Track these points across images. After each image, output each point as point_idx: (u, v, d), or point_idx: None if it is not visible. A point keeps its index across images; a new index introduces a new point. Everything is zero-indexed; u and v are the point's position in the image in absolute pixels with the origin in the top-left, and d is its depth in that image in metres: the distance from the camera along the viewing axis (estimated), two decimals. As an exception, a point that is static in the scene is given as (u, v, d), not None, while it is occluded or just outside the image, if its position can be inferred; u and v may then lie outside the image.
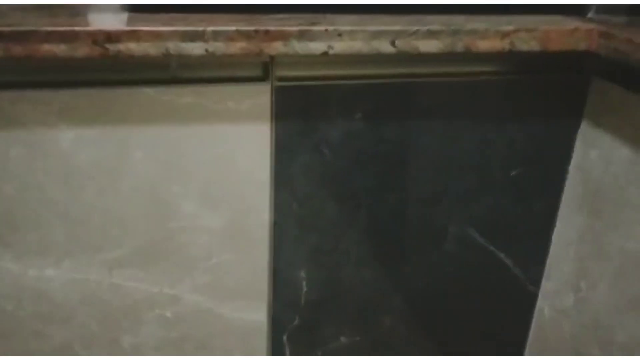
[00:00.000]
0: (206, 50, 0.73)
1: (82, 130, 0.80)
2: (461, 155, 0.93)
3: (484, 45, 0.81)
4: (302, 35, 0.75)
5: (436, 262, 0.99)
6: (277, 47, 0.75)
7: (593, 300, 0.94)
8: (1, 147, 0.78)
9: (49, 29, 0.69)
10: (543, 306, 1.03)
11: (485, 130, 0.92)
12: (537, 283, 1.04)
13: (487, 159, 0.94)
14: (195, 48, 0.73)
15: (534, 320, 1.06)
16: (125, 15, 0.77)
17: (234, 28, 0.73)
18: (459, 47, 0.81)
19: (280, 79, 0.83)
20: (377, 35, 0.77)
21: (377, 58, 0.80)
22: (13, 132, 0.78)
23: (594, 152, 0.91)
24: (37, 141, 0.79)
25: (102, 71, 0.79)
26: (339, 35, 0.76)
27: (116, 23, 0.74)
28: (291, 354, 0.99)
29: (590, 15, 0.90)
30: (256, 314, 0.96)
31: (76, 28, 0.70)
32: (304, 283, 0.95)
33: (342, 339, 1.02)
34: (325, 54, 0.77)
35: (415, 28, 0.77)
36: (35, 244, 0.84)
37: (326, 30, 0.75)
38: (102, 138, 0.81)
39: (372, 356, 1.04)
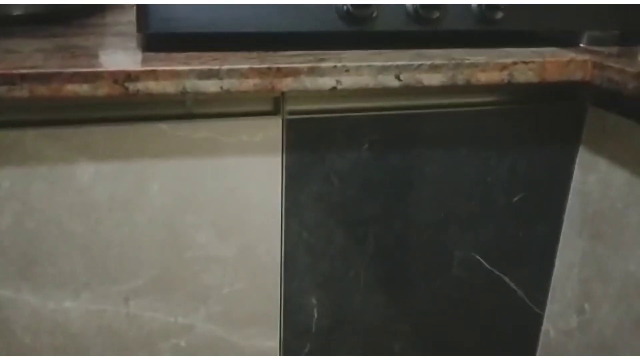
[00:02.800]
0: (221, 88, 0.77)
1: (101, 165, 0.83)
2: (464, 182, 0.97)
3: (484, 77, 0.85)
4: (311, 72, 0.79)
5: (443, 287, 1.02)
6: (288, 84, 0.79)
7: (597, 321, 0.97)
8: (22, 183, 0.82)
9: (73, 70, 0.72)
10: (548, 328, 1.06)
11: (487, 158, 0.96)
12: (542, 305, 1.06)
13: (489, 185, 0.98)
14: (211, 85, 0.77)
15: (540, 342, 1.09)
16: (140, 56, 0.81)
17: (247, 66, 0.77)
18: (460, 79, 0.85)
19: (291, 112, 0.87)
20: (382, 70, 0.81)
21: (383, 91, 0.84)
22: (34, 168, 0.81)
23: (592, 176, 0.95)
24: (57, 177, 0.82)
25: (119, 109, 0.83)
26: (347, 70, 0.80)
27: (134, 63, 0.78)
28: None
29: (582, 44, 0.95)
30: (268, 341, 0.99)
31: (98, 69, 0.73)
32: (315, 310, 0.98)
33: None
34: (333, 88, 0.81)
35: (419, 62, 0.81)
36: (54, 276, 0.87)
37: (334, 66, 0.79)
38: (119, 172, 0.84)
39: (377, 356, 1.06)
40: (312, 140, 0.89)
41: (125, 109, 0.83)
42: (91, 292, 0.89)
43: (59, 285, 0.87)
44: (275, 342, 0.99)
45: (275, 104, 0.86)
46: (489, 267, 1.02)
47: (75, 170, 0.83)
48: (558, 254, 1.03)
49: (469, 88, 0.87)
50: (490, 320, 1.07)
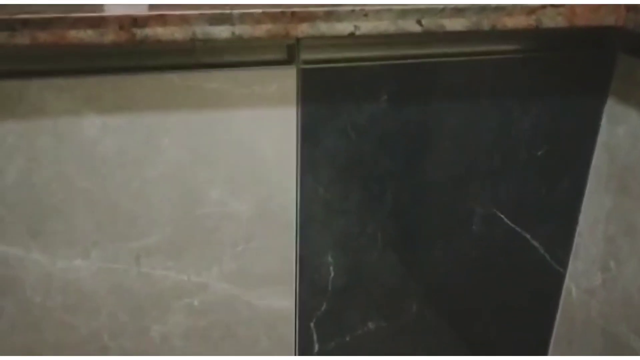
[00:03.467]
0: (233, 33, 0.73)
1: (108, 118, 0.80)
2: (486, 135, 0.93)
3: (510, 22, 0.81)
4: (328, 16, 0.75)
5: (462, 245, 0.99)
6: (303, 29, 0.75)
7: (622, 279, 0.94)
8: (29, 137, 0.79)
9: (76, 15, 0.69)
10: (570, 287, 1.03)
11: (510, 109, 0.92)
12: (564, 263, 1.04)
13: (512, 138, 0.94)
14: (222, 31, 0.73)
15: (561, 301, 1.06)
16: (146, 4, 0.77)
17: (260, 10, 0.73)
18: (485, 24, 0.81)
19: (306, 62, 0.83)
20: (403, 14, 0.77)
21: (403, 38, 0.80)
22: (40, 121, 0.78)
23: (620, 128, 0.91)
24: (63, 130, 0.79)
25: (126, 58, 0.79)
26: (365, 15, 0.76)
27: (141, 9, 0.74)
28: (318, 341, 0.99)
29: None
30: (283, 300, 0.97)
31: (103, 14, 0.70)
32: (331, 268, 0.96)
33: (370, 325, 1.02)
34: (351, 34, 0.77)
35: (442, 6, 0.77)
36: (63, 234, 0.85)
37: (352, 10, 0.75)
38: (128, 125, 0.81)
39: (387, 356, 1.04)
40: (328, 92, 0.85)
41: (133, 58, 0.79)
42: (101, 250, 0.87)
43: (68, 243, 0.85)
44: (290, 302, 0.97)
45: (290, 53, 0.82)
46: (511, 224, 0.99)
47: (82, 124, 0.80)
48: (582, 210, 1.00)
49: (494, 34, 0.83)
50: (511, 279, 1.04)
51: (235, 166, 0.87)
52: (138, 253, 0.89)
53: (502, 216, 0.98)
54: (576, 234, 1.01)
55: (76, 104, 0.79)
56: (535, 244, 1.01)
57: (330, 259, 0.95)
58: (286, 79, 0.84)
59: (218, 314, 0.96)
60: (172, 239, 0.89)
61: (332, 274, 0.96)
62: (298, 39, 0.80)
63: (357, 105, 0.87)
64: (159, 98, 0.81)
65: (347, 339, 1.01)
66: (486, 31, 0.81)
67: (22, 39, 0.68)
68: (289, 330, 0.99)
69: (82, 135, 0.81)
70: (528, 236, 1.01)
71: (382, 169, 0.92)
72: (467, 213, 0.97)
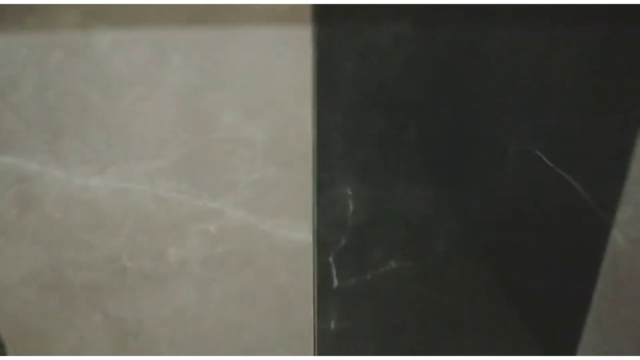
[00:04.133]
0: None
1: (118, 33, 0.80)
2: (525, 61, 0.86)
3: None
4: None
5: (494, 184, 0.94)
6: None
7: (676, 229, 0.86)
8: (41, 51, 0.80)
9: None
10: (617, 236, 0.96)
11: (554, 32, 0.84)
12: (611, 210, 0.96)
13: (556, 66, 0.86)
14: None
15: (606, 251, 0.99)
16: None
17: None
18: None
19: (322, -24, 0.78)
20: None
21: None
22: (50, 35, 0.80)
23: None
24: (74, 45, 0.80)
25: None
26: None
27: None
28: (337, 276, 0.98)
29: None
30: (301, 232, 0.96)
31: None
32: (350, 202, 0.93)
33: (392, 263, 0.99)
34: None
35: None
36: (78, 151, 0.87)
37: None
38: (138, 41, 0.81)
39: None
40: (346, 9, 0.81)
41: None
42: (116, 169, 0.88)
43: (83, 160, 0.87)
44: (308, 234, 0.96)
45: (304, -35, 0.78)
46: (550, 164, 0.92)
47: (92, 38, 0.80)
48: (635, 150, 0.91)
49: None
50: (549, 224, 0.98)
51: (248, 89, 0.85)
52: (152, 175, 0.90)
53: (540, 154, 0.92)
54: (627, 178, 0.93)
55: (86, 17, 0.79)
56: (578, 186, 0.94)
57: (349, 191, 0.93)
58: None
59: (235, 242, 0.96)
60: (186, 163, 0.89)
61: (352, 208, 0.94)
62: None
63: (379, 25, 0.82)
64: (169, 12, 0.80)
65: (368, 276, 0.99)
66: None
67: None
68: (307, 264, 0.99)
69: (92, 51, 0.81)
70: (569, 177, 0.94)
71: (407, 97, 0.87)
72: (500, 149, 0.91)
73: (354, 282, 1.00)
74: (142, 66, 0.82)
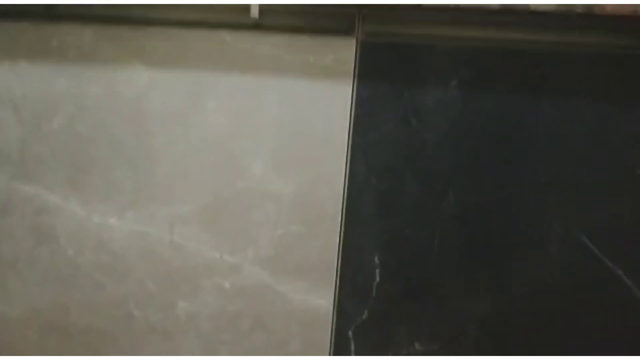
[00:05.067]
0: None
1: (156, 72, 0.83)
2: (576, 141, 0.85)
3: (610, 6, 0.74)
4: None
5: (536, 270, 0.91)
6: (363, -7, 0.74)
7: None
8: (79, 83, 0.84)
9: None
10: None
11: (607, 114, 0.84)
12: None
13: (607, 149, 0.85)
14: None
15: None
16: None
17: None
18: (579, 7, 0.74)
19: (368, 34, 0.81)
20: (477, -17, 0.73)
21: (479, 16, 0.76)
22: (90, 68, 0.84)
23: None
24: (111, 79, 0.84)
25: (181, 11, 0.82)
26: (434, -18, 0.73)
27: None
28: (355, 353, 0.96)
29: None
30: (321, 298, 0.94)
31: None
32: (377, 271, 0.92)
33: (417, 345, 0.96)
34: (418, 7, 0.74)
35: (523, -23, 0.72)
36: (101, 189, 0.89)
37: (419, -25, 0.73)
38: (175, 81, 0.84)
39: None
40: (390, 70, 0.83)
41: (188, 11, 0.82)
42: (137, 211, 0.90)
43: (105, 198, 0.89)
44: (329, 301, 0.94)
45: (351, 23, 0.81)
46: (598, 254, 0.90)
47: (130, 75, 0.84)
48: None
49: (591, 20, 0.76)
50: (592, 318, 0.94)
51: (281, 140, 0.87)
52: (172, 220, 0.91)
53: (587, 242, 0.89)
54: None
55: (126, 53, 0.83)
56: (628, 282, 0.91)
57: (377, 259, 0.92)
58: (344, 51, 0.82)
59: (249, 302, 0.95)
60: (209, 211, 0.90)
61: (378, 279, 0.93)
62: (360, 7, 0.79)
63: (421, 89, 0.83)
64: (208, 56, 0.83)
65: (389, 357, 0.96)
66: (580, 15, 0.75)
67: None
68: (324, 335, 0.96)
69: (129, 87, 0.85)
70: (620, 272, 0.90)
71: (446, 165, 0.87)
72: (543, 230, 0.89)
73: None
74: (177, 108, 0.85)
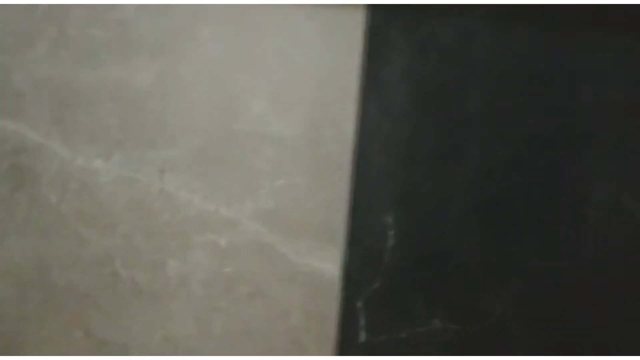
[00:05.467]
0: None
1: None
2: (622, 91, 0.87)
3: None
4: None
5: (572, 236, 0.94)
6: None
7: None
8: (63, 8, 0.91)
9: None
10: None
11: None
12: None
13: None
14: None
15: None
16: None
17: None
18: None
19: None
20: None
21: None
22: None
23: None
24: (98, 4, 0.90)
25: None
26: None
27: None
28: (366, 328, 1.01)
29: None
30: (327, 262, 1.01)
31: None
32: (391, 233, 0.97)
33: (435, 322, 1.01)
34: None
35: None
36: (85, 126, 1.00)
37: None
38: (166, 7, 0.90)
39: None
40: None
41: None
42: (124, 153, 0.99)
43: (90, 137, 0.99)
44: (335, 266, 1.01)
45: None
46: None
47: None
48: None
49: None
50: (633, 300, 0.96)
51: (282, 76, 0.95)
52: (163, 166, 1.00)
53: (633, 204, 0.91)
54: None
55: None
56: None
57: (390, 219, 0.97)
58: None
59: (247, 263, 1.03)
60: (202, 155, 0.98)
61: (392, 241, 0.97)
62: None
63: (443, 16, 0.87)
64: None
65: (403, 334, 1.00)
66: None
67: None
68: (330, 305, 1.02)
69: (117, 12, 0.93)
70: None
71: (470, 109, 0.91)
72: (582, 191, 0.91)
73: (384, 339, 1.02)
74: (168, 35, 0.94)
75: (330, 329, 1.08)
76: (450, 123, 0.95)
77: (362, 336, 1.06)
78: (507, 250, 1.00)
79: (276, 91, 0.96)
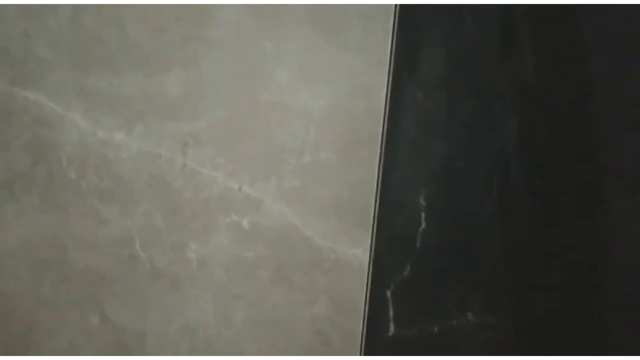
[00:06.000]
0: None
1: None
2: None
3: None
4: None
5: (625, 215, 0.89)
6: None
7: None
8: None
9: None
10: None
11: None
12: None
13: None
14: None
15: None
16: None
17: None
18: None
19: None
20: None
21: None
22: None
23: None
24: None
25: None
26: None
27: None
28: (395, 320, 0.99)
29: None
30: (354, 247, 1.01)
31: None
32: (423, 216, 0.96)
33: (470, 316, 0.98)
34: None
35: None
36: (107, 95, 1.01)
37: None
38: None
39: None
40: None
41: None
42: (146, 126, 1.01)
43: (111, 107, 1.00)
44: (364, 251, 1.00)
45: None
46: None
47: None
48: None
49: None
50: None
51: (310, 44, 0.94)
52: (185, 139, 1.01)
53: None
54: None
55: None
56: None
57: (422, 201, 0.96)
58: None
59: (270, 247, 1.04)
60: (226, 127, 1.00)
61: (424, 225, 0.96)
62: None
63: (479, -20, 0.87)
64: None
65: (435, 328, 0.97)
66: None
67: None
68: (358, 293, 1.01)
69: None
70: None
71: (510, 78, 0.88)
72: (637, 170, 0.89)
73: (415, 333, 1.00)
74: (194, 1, 0.92)
75: (357, 321, 1.05)
76: (488, 94, 0.93)
77: (391, 329, 1.04)
78: (551, 232, 0.97)
79: (304, 60, 0.96)
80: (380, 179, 1.00)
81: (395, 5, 0.93)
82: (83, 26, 1.00)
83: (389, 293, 1.05)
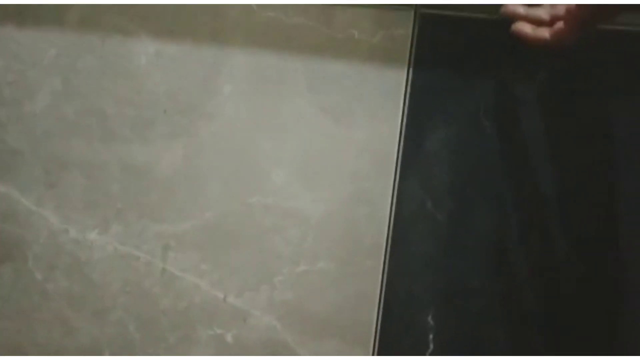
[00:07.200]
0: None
1: (164, 46, 0.90)
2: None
3: None
4: None
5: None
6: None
7: None
8: (71, 54, 0.92)
9: None
10: None
11: None
12: None
13: None
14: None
15: None
16: None
17: None
18: None
19: (431, 5, 0.85)
20: None
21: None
22: (86, 37, 0.91)
23: None
24: (109, 53, 0.96)
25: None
26: None
27: None
28: None
29: None
30: None
31: None
32: (431, 336, 0.90)
33: None
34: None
35: None
36: (82, 190, 1.00)
37: None
38: (184, 59, 0.93)
39: None
40: (457, 54, 0.89)
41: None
42: (124, 225, 0.97)
43: (86, 205, 0.99)
44: None
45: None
46: None
47: (132, 48, 0.92)
48: None
49: None
50: None
51: (311, 142, 0.90)
52: (167, 242, 0.96)
53: None
54: None
55: (129, 21, 0.89)
56: None
57: (430, 319, 0.94)
58: (398, 27, 0.89)
59: None
60: (213, 230, 0.97)
61: (431, 347, 0.91)
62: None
63: (497, 80, 0.83)
64: (227, 28, 0.90)
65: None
66: None
67: None
68: None
69: (130, 63, 0.95)
70: None
71: (531, 186, 0.86)
72: None
73: None
74: (186, 90, 0.91)
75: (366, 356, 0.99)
76: (506, 204, 0.89)
77: None
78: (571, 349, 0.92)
79: (302, 159, 0.92)
80: (383, 294, 0.95)
81: (404, 102, 0.90)
82: (63, 114, 0.94)
83: None
